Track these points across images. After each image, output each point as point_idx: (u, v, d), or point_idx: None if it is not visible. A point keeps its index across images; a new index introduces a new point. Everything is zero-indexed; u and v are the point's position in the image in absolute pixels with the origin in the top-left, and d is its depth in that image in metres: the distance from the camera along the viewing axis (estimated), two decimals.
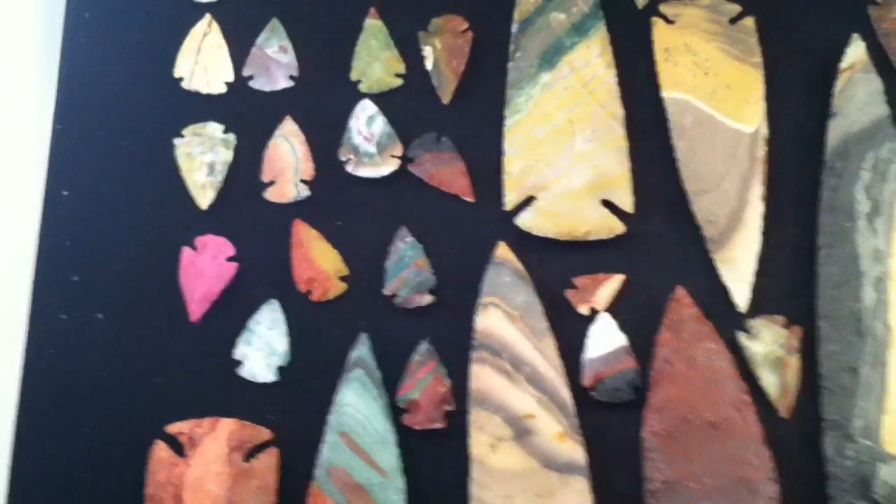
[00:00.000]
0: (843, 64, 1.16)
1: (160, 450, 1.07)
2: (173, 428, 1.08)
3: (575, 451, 1.04)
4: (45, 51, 1.24)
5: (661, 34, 1.19)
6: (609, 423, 1.07)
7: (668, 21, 1.19)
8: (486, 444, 1.04)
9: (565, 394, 1.06)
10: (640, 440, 1.05)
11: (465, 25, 1.20)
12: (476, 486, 1.03)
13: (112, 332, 1.14)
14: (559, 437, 1.05)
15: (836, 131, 1.14)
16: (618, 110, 1.16)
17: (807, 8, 1.20)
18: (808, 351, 1.08)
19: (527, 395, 1.06)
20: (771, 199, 1.13)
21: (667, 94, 1.16)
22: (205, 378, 1.12)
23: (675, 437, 1.05)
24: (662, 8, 1.19)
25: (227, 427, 1.07)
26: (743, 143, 1.14)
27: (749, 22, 1.18)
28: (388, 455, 1.04)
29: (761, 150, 1.14)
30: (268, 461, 1.06)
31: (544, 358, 1.07)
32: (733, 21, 1.19)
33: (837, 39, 1.17)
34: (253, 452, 1.07)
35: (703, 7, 1.19)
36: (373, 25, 1.21)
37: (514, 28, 1.19)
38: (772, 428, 1.06)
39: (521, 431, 1.04)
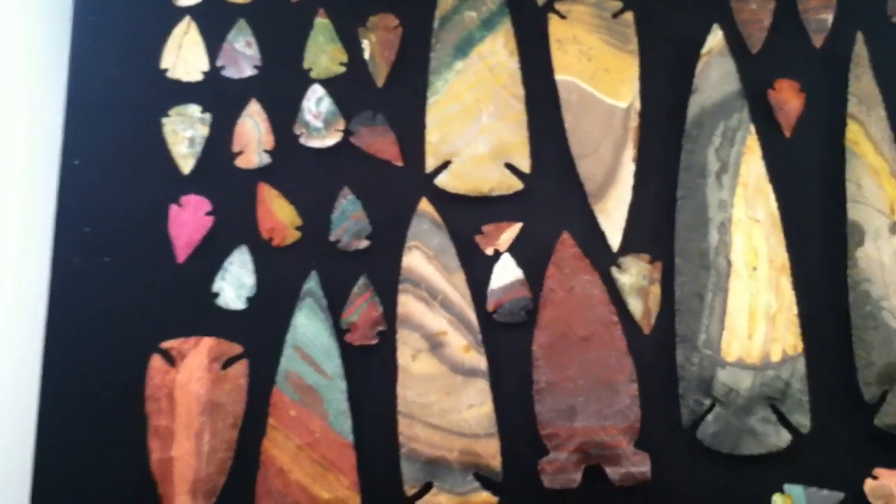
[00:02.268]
0: (704, 49, 1.34)
1: (156, 361, 1.22)
2: (166, 344, 1.23)
3: (478, 360, 1.23)
4: (57, 47, 1.36)
5: (555, 27, 1.37)
6: (506, 339, 1.24)
7: (562, 16, 1.38)
8: (408, 355, 1.23)
9: (471, 316, 1.25)
10: (530, 351, 1.23)
11: (396, 22, 1.36)
12: (400, 387, 1.21)
13: (116, 271, 1.27)
14: (465, 349, 1.24)
15: (695, 105, 1.32)
16: (518, 90, 1.34)
17: (677, 3, 1.38)
18: (666, 281, 1.27)
19: (440, 317, 1.24)
20: (640, 161, 1.31)
21: (558, 76, 1.35)
22: (189, 306, 1.25)
23: (556, 349, 1.23)
24: (557, 6, 1.37)
25: (207, 343, 1.23)
26: (617, 116, 1.33)
27: (628, 16, 1.37)
28: (332, 364, 1.22)
29: (634, 122, 1.33)
30: (239, 369, 1.22)
31: (454, 288, 1.26)
32: (615, 15, 1.38)
33: (702, 29, 1.35)
34: (228, 363, 1.22)
35: (590, 5, 1.37)
36: (321, 23, 1.36)
37: (435, 24, 1.35)
38: (636, 342, 1.24)
39: (435, 345, 1.23)
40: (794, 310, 1.23)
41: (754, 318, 1.23)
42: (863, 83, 1.32)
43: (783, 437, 1.19)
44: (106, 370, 1.24)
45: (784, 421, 1.19)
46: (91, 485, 1.21)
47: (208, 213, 1.28)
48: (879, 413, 1.19)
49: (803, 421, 1.19)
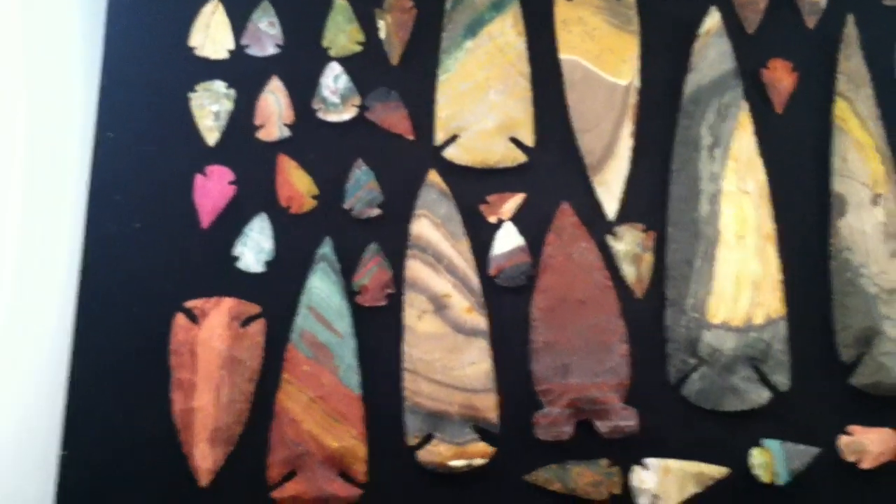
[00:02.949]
0: (701, 30, 1.41)
1: (180, 319, 1.28)
2: (189, 303, 1.29)
3: (479, 321, 1.30)
4: (92, 27, 1.43)
5: (561, 9, 1.44)
6: (507, 302, 1.30)
7: None
8: (414, 316, 1.29)
9: (474, 280, 1.33)
10: (529, 313, 1.30)
11: (410, 4, 1.41)
12: (406, 345, 1.28)
13: (145, 236, 1.34)
14: (467, 310, 1.32)
15: (692, 83, 1.39)
16: (525, 69, 1.41)
17: None
18: (659, 250, 1.35)
19: (445, 281, 1.32)
20: (638, 136, 1.38)
21: (563, 56, 1.41)
22: (212, 268, 1.32)
23: (553, 311, 1.31)
24: None
25: (227, 303, 1.29)
26: (618, 93, 1.40)
27: None
28: (344, 324, 1.28)
29: (633, 99, 1.39)
30: (257, 328, 1.29)
31: (459, 254, 1.33)
32: None
33: (700, 11, 1.42)
34: (247, 321, 1.29)
35: None
36: (340, 5, 1.42)
37: (447, 6, 1.41)
38: (629, 306, 1.31)
39: (439, 306, 1.29)
40: (779, 276, 1.30)
41: (740, 283, 1.29)
42: (852, 63, 1.38)
43: (763, 395, 1.26)
44: (134, 327, 1.30)
45: (765, 380, 1.27)
46: (119, 432, 1.29)
47: (231, 183, 1.35)
48: (855, 373, 1.27)
49: (783, 380, 1.26)
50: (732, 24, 1.41)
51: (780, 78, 1.39)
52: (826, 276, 1.28)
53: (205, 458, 1.25)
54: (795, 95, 1.37)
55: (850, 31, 1.39)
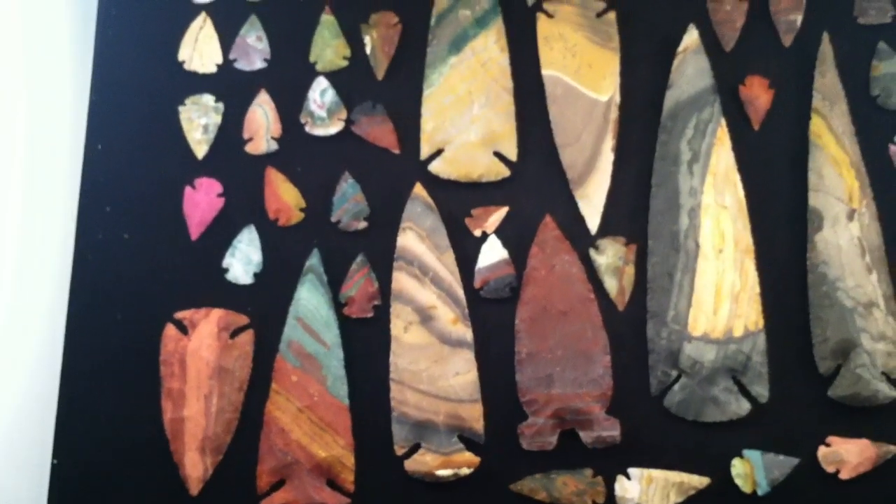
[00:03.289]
0: (680, 47, 1.42)
1: (170, 329, 1.31)
2: (179, 314, 1.32)
3: (464, 332, 1.33)
4: (82, 40, 1.45)
5: (543, 25, 1.44)
6: (492, 313, 1.32)
7: (549, 15, 1.46)
8: (401, 326, 1.32)
9: (459, 292, 1.35)
10: (513, 325, 1.31)
11: (396, 20, 1.42)
12: (393, 355, 1.30)
13: (135, 247, 1.36)
14: (453, 321, 1.34)
15: (671, 99, 1.40)
16: (508, 84, 1.43)
17: (657, 4, 1.46)
18: (640, 262, 1.35)
19: (430, 293, 1.34)
20: (619, 150, 1.39)
21: (545, 71, 1.42)
22: (201, 280, 1.34)
23: (537, 322, 1.33)
24: (545, 5, 1.43)
25: (217, 314, 1.32)
26: (598, 109, 1.42)
27: (611, 16, 1.44)
28: (331, 334, 1.31)
29: (613, 114, 1.41)
30: (246, 338, 1.32)
31: (444, 266, 1.35)
32: (599, 15, 1.45)
33: (679, 28, 1.43)
34: (236, 332, 1.32)
35: (576, 5, 1.44)
36: (326, 20, 1.43)
37: (432, 22, 1.41)
38: (611, 318, 1.33)
39: (425, 318, 1.32)
40: (757, 289, 1.32)
41: (719, 296, 1.32)
42: (827, 80, 1.40)
43: (743, 406, 1.29)
44: (124, 337, 1.33)
45: (744, 391, 1.29)
46: (110, 441, 1.31)
47: (220, 195, 1.37)
48: (833, 385, 1.29)
49: (762, 391, 1.29)
50: (710, 42, 1.42)
51: (757, 95, 1.42)
52: (804, 289, 1.29)
53: (195, 467, 1.27)
54: (772, 112, 1.37)
55: (826, 48, 1.41)
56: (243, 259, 1.34)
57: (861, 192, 1.34)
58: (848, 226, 1.31)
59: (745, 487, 1.23)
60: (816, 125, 1.36)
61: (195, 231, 1.36)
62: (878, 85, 1.41)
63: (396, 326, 1.30)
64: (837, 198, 1.32)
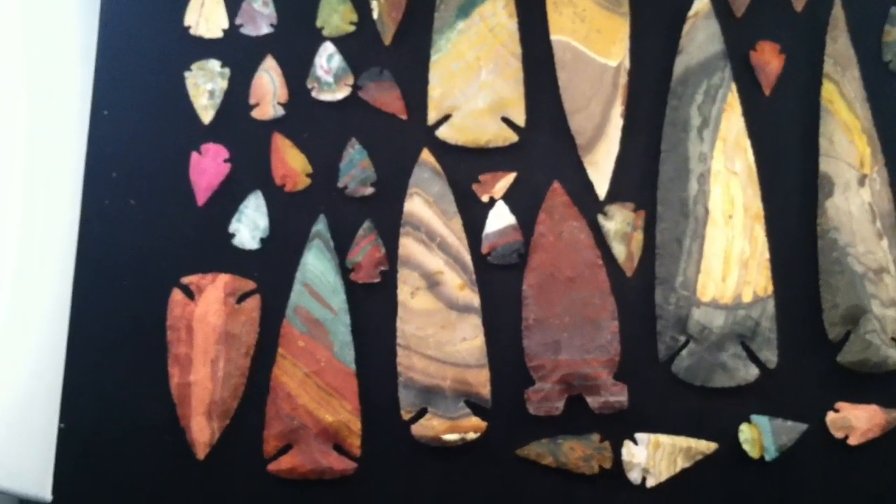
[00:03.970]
0: (690, 12, 1.42)
1: (177, 294, 1.31)
2: (186, 280, 1.32)
3: (471, 298, 1.33)
4: (89, 6, 1.45)
5: None
6: (499, 279, 1.33)
7: None
8: (408, 292, 1.32)
9: (466, 257, 1.35)
10: (521, 291, 1.32)
11: None
12: (400, 321, 1.30)
13: (141, 213, 1.37)
14: (460, 287, 1.34)
15: (681, 65, 1.40)
16: (516, 49, 1.42)
17: None
18: (649, 228, 1.36)
19: (437, 258, 1.34)
20: (628, 116, 1.39)
21: (553, 36, 1.42)
22: (208, 245, 1.34)
23: (544, 288, 1.33)
24: None
25: (223, 279, 1.32)
26: (608, 74, 1.41)
27: None
28: (338, 300, 1.31)
29: (623, 80, 1.41)
30: (253, 303, 1.31)
31: (452, 232, 1.35)
32: None
33: None
34: (242, 297, 1.31)
35: None
36: None
37: None
38: (619, 284, 1.34)
39: (432, 283, 1.32)
40: (766, 255, 1.32)
41: (728, 262, 1.32)
42: (839, 45, 1.40)
43: (751, 372, 1.28)
44: (131, 303, 1.33)
45: (753, 357, 1.29)
46: (117, 406, 1.32)
47: (226, 161, 1.36)
48: (842, 351, 1.29)
49: (771, 357, 1.29)
50: (721, 7, 1.42)
51: (768, 60, 1.41)
52: (813, 255, 1.29)
53: (202, 432, 1.27)
54: (783, 77, 1.37)
55: (838, 13, 1.41)
56: (250, 224, 1.34)
57: (872, 158, 1.33)
58: (859, 191, 1.30)
59: (753, 453, 1.23)
60: (828, 91, 1.36)
61: (202, 196, 1.36)
62: (891, 50, 1.41)
63: (403, 292, 1.30)
64: (848, 163, 1.31)
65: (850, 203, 1.30)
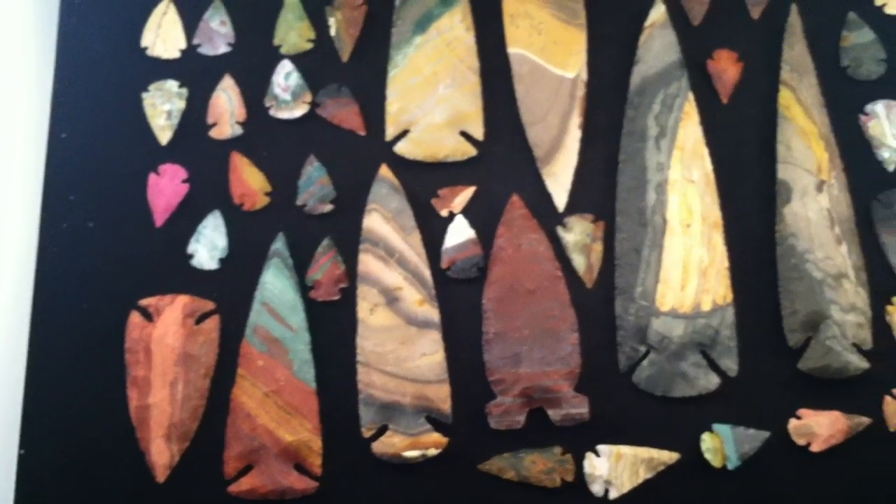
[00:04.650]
0: (647, 22, 1.43)
1: (135, 316, 1.30)
2: (144, 301, 1.32)
3: (431, 313, 1.33)
4: (46, 29, 1.45)
5: (508, 3, 1.44)
6: (459, 294, 1.32)
7: None
8: (367, 309, 1.31)
9: (425, 272, 1.34)
10: (481, 304, 1.32)
11: (360, 1, 1.43)
12: (360, 338, 1.29)
13: (99, 235, 1.36)
14: (419, 302, 1.34)
15: (638, 75, 1.41)
16: (473, 63, 1.43)
17: None
18: (608, 239, 1.36)
19: (396, 274, 1.34)
20: (586, 127, 1.40)
21: (510, 49, 1.43)
22: (166, 266, 1.34)
23: (504, 302, 1.33)
24: None
25: (182, 300, 1.31)
26: (565, 86, 1.42)
27: None
28: (297, 318, 1.30)
29: (580, 91, 1.41)
30: (212, 324, 1.31)
31: (410, 247, 1.35)
32: None
33: (646, 3, 1.44)
34: (201, 318, 1.30)
35: None
36: (290, 2, 1.44)
37: (397, 2, 1.43)
38: (579, 295, 1.33)
39: (391, 299, 1.32)
40: (725, 263, 1.32)
41: (687, 271, 1.31)
42: (795, 52, 1.40)
43: (712, 381, 1.28)
44: (89, 325, 1.32)
45: (713, 365, 1.29)
46: (76, 430, 1.31)
47: (184, 181, 1.37)
48: (803, 358, 1.29)
49: (731, 365, 1.28)
50: (678, 16, 1.43)
51: (726, 68, 1.41)
52: (772, 262, 1.29)
53: (161, 454, 1.26)
54: (741, 85, 1.38)
55: (794, 20, 1.41)
56: (208, 245, 1.34)
57: (830, 164, 1.32)
58: (817, 197, 1.30)
59: (715, 462, 1.22)
60: (785, 97, 1.35)
61: (160, 218, 1.35)
62: (848, 55, 1.40)
63: (363, 309, 1.30)
64: (806, 169, 1.31)
65: (808, 209, 1.29)
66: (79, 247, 1.36)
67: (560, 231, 1.34)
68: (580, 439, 1.28)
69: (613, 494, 1.23)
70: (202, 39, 1.44)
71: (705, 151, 1.36)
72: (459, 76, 1.40)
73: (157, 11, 1.45)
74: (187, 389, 1.29)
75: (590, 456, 1.26)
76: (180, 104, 1.40)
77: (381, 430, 1.29)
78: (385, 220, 1.34)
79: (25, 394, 1.32)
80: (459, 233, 1.34)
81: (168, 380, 1.30)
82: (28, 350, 1.31)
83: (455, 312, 1.31)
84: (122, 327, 1.31)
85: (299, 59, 1.42)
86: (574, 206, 1.35)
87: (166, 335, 1.30)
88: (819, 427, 1.23)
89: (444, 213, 1.35)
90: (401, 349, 1.31)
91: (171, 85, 1.41)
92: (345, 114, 1.39)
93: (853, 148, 1.37)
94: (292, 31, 1.43)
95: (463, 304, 1.31)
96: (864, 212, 1.34)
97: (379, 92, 1.39)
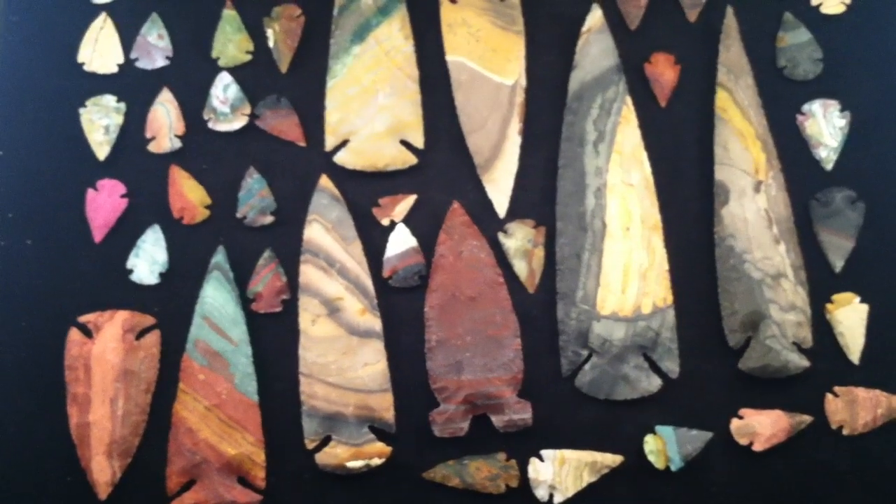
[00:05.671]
0: (584, 27, 1.43)
1: (74, 333, 1.30)
2: (83, 318, 1.31)
3: (373, 323, 1.33)
4: None
5: (446, 11, 1.45)
6: (401, 302, 1.33)
7: (452, 1, 1.45)
8: (308, 320, 1.32)
9: (367, 282, 1.34)
10: (423, 313, 1.33)
11: (298, 12, 1.42)
12: (302, 349, 1.30)
13: (38, 252, 1.35)
14: (360, 312, 1.33)
15: (576, 80, 1.41)
16: (413, 72, 1.43)
17: None
18: (550, 244, 1.37)
19: (337, 284, 1.34)
20: (526, 134, 1.40)
21: (449, 57, 1.43)
22: (106, 282, 1.33)
23: (446, 309, 1.33)
24: None
25: (122, 316, 1.31)
26: (504, 93, 1.42)
27: None
28: (238, 331, 1.30)
29: (520, 97, 1.41)
30: (152, 339, 1.30)
31: (351, 257, 1.35)
32: None
33: (584, 9, 1.44)
34: (142, 333, 1.30)
35: None
36: (228, 15, 1.43)
37: (335, 12, 1.43)
38: (521, 301, 1.34)
39: (332, 310, 1.32)
40: (665, 266, 1.32)
41: (627, 274, 1.32)
42: (732, 53, 1.41)
43: (654, 383, 1.28)
44: (28, 343, 1.32)
45: (655, 367, 1.30)
46: (17, 448, 1.30)
47: (123, 196, 1.36)
48: (743, 358, 1.30)
49: (673, 367, 1.29)
50: (615, 21, 1.43)
51: (663, 71, 1.41)
52: (712, 263, 1.30)
53: (102, 472, 1.25)
54: (678, 88, 1.39)
55: (730, 22, 1.42)
56: (148, 259, 1.33)
57: (768, 164, 1.33)
58: (754, 198, 1.30)
59: (658, 464, 1.22)
60: (722, 99, 1.36)
61: (99, 233, 1.35)
62: (785, 56, 1.41)
63: (304, 320, 1.30)
64: (743, 170, 1.31)
65: (745, 210, 1.30)
66: (17, 264, 1.34)
67: (501, 237, 1.34)
68: (524, 445, 1.28)
69: (558, 499, 1.23)
70: (140, 53, 1.42)
71: (644, 155, 1.36)
72: (399, 85, 1.40)
73: (94, 26, 1.43)
74: (128, 405, 1.28)
75: (534, 461, 1.26)
76: (118, 119, 1.40)
77: (325, 441, 1.29)
78: (326, 230, 1.34)
79: None
80: (401, 241, 1.33)
81: (108, 396, 1.29)
82: None
83: (397, 321, 1.31)
84: (62, 345, 1.30)
85: (238, 72, 1.41)
86: (515, 212, 1.35)
87: (106, 351, 1.29)
88: (761, 426, 1.23)
89: (385, 222, 1.35)
90: (343, 359, 1.30)
91: (109, 100, 1.40)
92: (284, 125, 1.39)
93: (791, 148, 1.37)
94: (230, 44, 1.42)
95: (405, 312, 1.32)
96: (802, 211, 1.35)
97: (318, 102, 1.39)
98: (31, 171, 1.39)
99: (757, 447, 1.23)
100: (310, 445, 1.28)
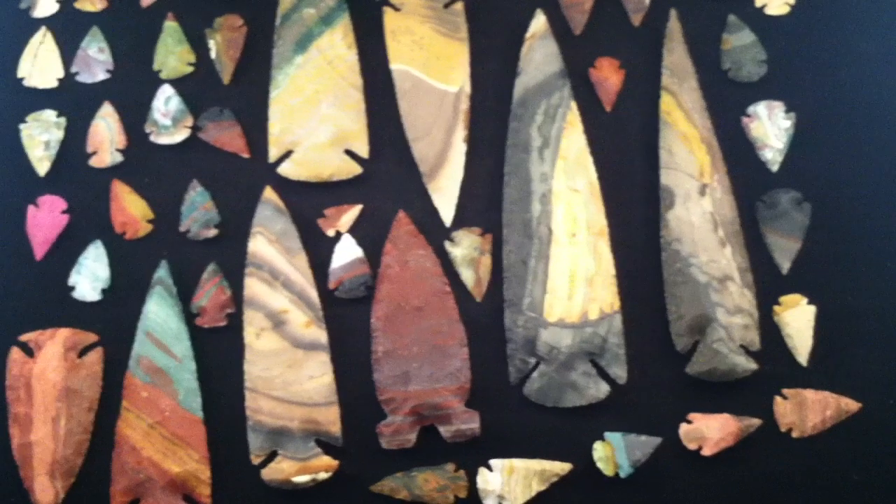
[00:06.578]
0: (528, 33, 1.42)
1: (15, 353, 1.28)
2: (24, 337, 1.29)
3: (318, 335, 1.31)
4: None
5: (390, 19, 1.45)
6: (348, 314, 1.31)
7: (396, 9, 1.46)
8: (253, 333, 1.30)
9: (312, 294, 1.33)
10: (369, 324, 1.33)
11: (240, 22, 1.43)
12: (247, 363, 1.28)
13: None
14: (306, 324, 1.32)
15: (520, 86, 1.40)
16: (356, 81, 1.42)
17: None
18: (497, 252, 1.36)
19: (282, 297, 1.33)
20: (472, 141, 1.39)
21: (393, 65, 1.43)
22: (47, 300, 1.32)
23: (392, 320, 1.32)
24: None
25: (63, 334, 1.29)
26: (448, 100, 1.41)
27: (459, 6, 1.45)
28: (182, 346, 1.29)
29: (464, 105, 1.41)
30: (95, 357, 1.29)
31: (296, 269, 1.34)
32: (447, 6, 1.46)
33: (528, 15, 1.44)
34: (84, 351, 1.28)
35: None
36: (170, 26, 1.43)
37: (277, 22, 1.44)
38: (469, 309, 1.33)
39: (277, 323, 1.31)
40: (612, 271, 1.31)
41: (574, 280, 1.31)
42: (675, 56, 1.41)
43: (602, 389, 1.27)
44: None
45: (603, 374, 1.28)
46: None
47: (64, 212, 1.35)
48: (691, 362, 1.29)
49: (620, 373, 1.28)
50: (559, 26, 1.43)
51: (608, 76, 1.41)
52: (658, 268, 1.29)
53: (45, 493, 1.24)
54: (623, 92, 1.38)
55: (674, 25, 1.42)
56: (90, 276, 1.32)
57: (713, 167, 1.32)
58: (700, 201, 1.30)
59: (608, 470, 1.22)
60: (666, 103, 1.36)
61: (39, 250, 1.34)
62: (729, 58, 1.41)
63: (249, 333, 1.28)
64: (689, 174, 1.31)
65: (691, 213, 1.29)
66: None
67: (448, 246, 1.33)
68: (473, 455, 1.27)
69: None
70: (80, 67, 1.42)
71: (589, 160, 1.36)
72: (342, 94, 1.40)
73: (34, 41, 1.44)
74: (70, 424, 1.26)
75: (482, 471, 1.25)
76: (59, 134, 1.39)
77: (271, 457, 1.27)
78: (270, 242, 1.33)
79: None
80: (346, 252, 1.32)
81: (50, 416, 1.27)
82: None
83: (344, 333, 1.30)
84: (3, 364, 1.28)
85: (180, 84, 1.41)
86: (461, 220, 1.34)
87: (47, 370, 1.27)
88: (710, 430, 1.23)
89: (330, 232, 1.34)
90: (288, 373, 1.29)
91: (49, 115, 1.40)
92: (227, 137, 1.38)
93: (736, 150, 1.37)
94: (172, 56, 1.42)
95: (352, 323, 1.30)
96: (748, 213, 1.34)
97: (262, 113, 1.38)
98: None
99: (706, 451, 1.23)
100: (256, 461, 1.26)
